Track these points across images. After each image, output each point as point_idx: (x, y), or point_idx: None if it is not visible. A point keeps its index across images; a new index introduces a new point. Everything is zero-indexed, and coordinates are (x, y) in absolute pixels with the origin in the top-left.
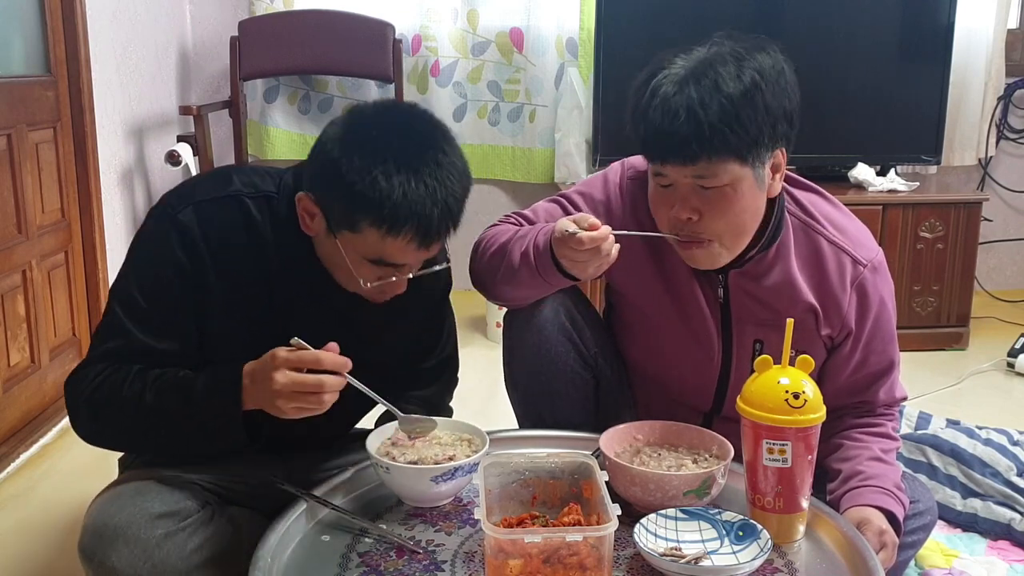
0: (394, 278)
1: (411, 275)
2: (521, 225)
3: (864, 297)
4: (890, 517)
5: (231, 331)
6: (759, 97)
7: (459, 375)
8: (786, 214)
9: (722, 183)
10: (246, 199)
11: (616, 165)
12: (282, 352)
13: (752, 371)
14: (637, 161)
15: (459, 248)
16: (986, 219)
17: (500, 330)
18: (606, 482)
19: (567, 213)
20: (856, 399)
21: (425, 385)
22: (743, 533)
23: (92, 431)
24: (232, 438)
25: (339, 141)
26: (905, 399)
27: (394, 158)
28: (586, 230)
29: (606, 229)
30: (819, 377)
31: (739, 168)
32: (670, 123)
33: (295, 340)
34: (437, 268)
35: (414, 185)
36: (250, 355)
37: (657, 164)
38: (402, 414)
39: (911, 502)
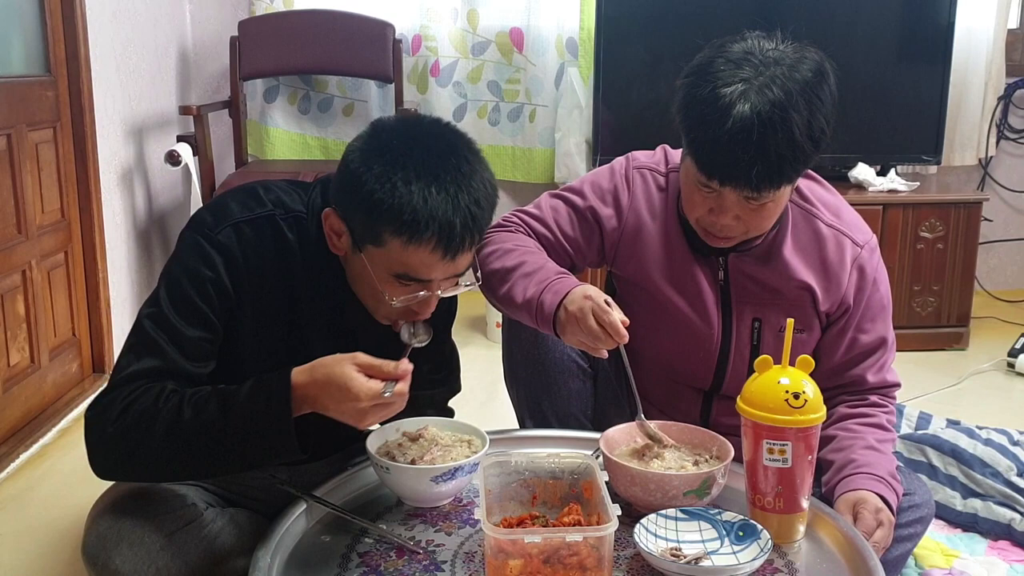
0: (421, 293)
1: (440, 293)
2: (526, 227)
3: (863, 275)
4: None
5: (252, 350)
6: (823, 142)
7: (461, 381)
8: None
9: (768, 200)
10: (279, 220)
11: (620, 159)
12: (362, 357)
13: (751, 348)
14: (641, 156)
15: None
16: (986, 219)
17: (500, 330)
18: (606, 482)
19: (573, 207)
20: (849, 377)
21: (431, 387)
22: (743, 533)
23: (117, 459)
24: (282, 449)
25: (359, 151)
26: (898, 386)
27: (414, 166)
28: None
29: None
30: (815, 355)
31: (786, 189)
32: (740, 156)
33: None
34: (467, 287)
35: (435, 191)
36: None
37: (715, 182)
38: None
39: (906, 494)
